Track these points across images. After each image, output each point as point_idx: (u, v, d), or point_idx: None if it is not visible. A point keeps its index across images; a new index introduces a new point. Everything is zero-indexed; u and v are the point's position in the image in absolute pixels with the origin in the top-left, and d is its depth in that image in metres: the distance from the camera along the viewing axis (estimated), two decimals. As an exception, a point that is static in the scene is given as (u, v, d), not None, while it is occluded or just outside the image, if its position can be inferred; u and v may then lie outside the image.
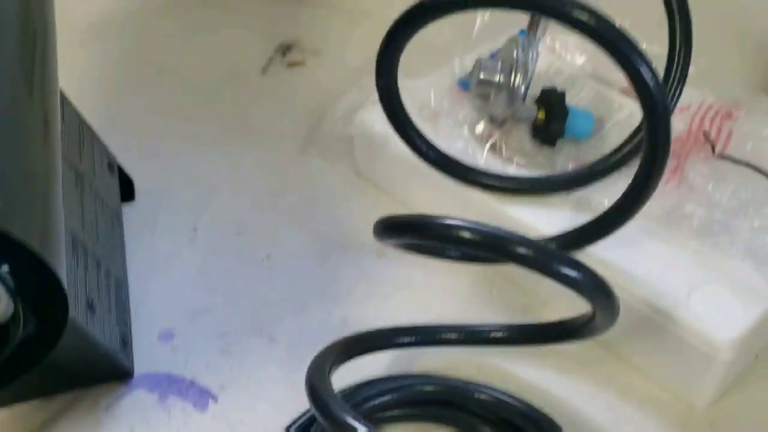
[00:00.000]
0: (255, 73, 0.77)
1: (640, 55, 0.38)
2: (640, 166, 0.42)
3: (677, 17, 0.48)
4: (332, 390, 0.40)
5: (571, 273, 0.37)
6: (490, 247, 0.37)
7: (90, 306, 0.45)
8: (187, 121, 0.71)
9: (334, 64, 0.78)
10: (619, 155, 0.51)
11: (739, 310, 0.46)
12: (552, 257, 0.37)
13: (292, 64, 0.78)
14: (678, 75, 0.50)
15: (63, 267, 0.36)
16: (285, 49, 0.80)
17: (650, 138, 0.40)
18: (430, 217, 0.38)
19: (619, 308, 0.40)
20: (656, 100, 0.38)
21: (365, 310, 0.54)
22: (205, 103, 0.73)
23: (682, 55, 0.49)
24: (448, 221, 0.37)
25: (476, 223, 0.37)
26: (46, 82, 0.42)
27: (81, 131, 0.56)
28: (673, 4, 0.48)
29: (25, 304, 0.35)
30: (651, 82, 0.38)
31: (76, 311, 0.43)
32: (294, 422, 0.46)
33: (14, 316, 0.36)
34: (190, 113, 0.72)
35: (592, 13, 0.37)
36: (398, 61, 0.46)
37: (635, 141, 0.51)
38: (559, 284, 0.38)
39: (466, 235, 0.37)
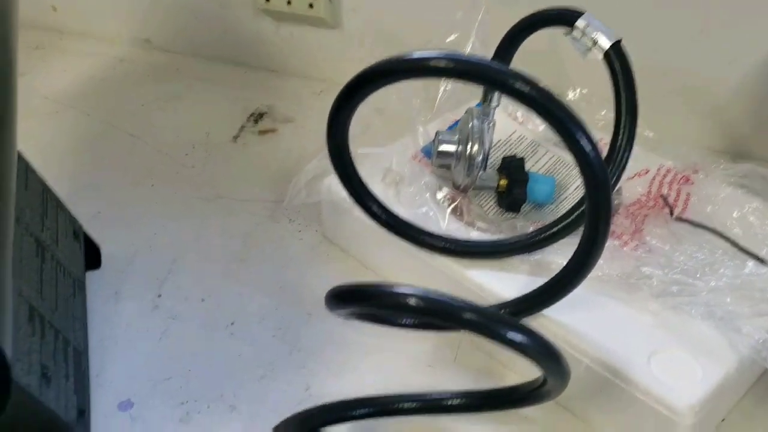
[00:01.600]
0: (226, 141, 0.78)
1: (579, 124, 0.38)
2: (583, 234, 0.42)
3: (622, 89, 0.50)
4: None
5: (518, 337, 0.37)
6: (436, 314, 0.37)
7: (44, 375, 0.45)
8: (157, 188, 0.71)
9: (306, 132, 0.79)
10: (571, 217, 0.51)
11: (699, 374, 0.46)
12: (498, 322, 0.37)
13: (263, 132, 0.79)
14: (624, 142, 0.51)
15: (8, 337, 0.36)
16: (257, 117, 0.81)
17: (591, 207, 0.41)
18: (376, 285, 0.38)
19: (569, 372, 0.40)
20: (595, 169, 0.39)
21: (328, 378, 0.53)
22: (176, 170, 0.74)
23: (627, 123, 0.50)
24: (394, 289, 0.37)
25: (423, 290, 0.37)
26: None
27: (45, 200, 0.56)
28: (618, 77, 0.49)
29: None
30: (590, 152, 0.38)
31: (28, 381, 0.43)
32: None
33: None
34: (160, 180, 0.73)
35: (532, 84, 0.38)
36: (349, 123, 0.47)
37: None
38: (506, 349, 0.38)
39: (412, 302, 0.37)
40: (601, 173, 0.40)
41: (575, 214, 0.52)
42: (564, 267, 0.45)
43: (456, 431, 0.50)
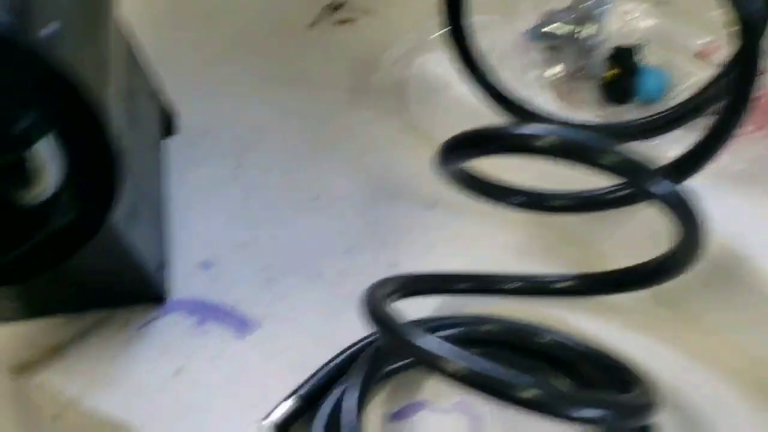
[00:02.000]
0: (303, 28, 0.74)
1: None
2: (731, 85, 0.38)
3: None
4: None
5: (660, 188, 0.34)
6: (572, 153, 0.34)
7: (133, 214, 0.42)
8: (232, 68, 0.68)
9: (386, 23, 0.75)
10: (698, 100, 0.47)
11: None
12: (644, 169, 0.34)
13: (342, 22, 0.75)
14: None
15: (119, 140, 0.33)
16: (336, 6, 0.77)
17: (742, 48, 0.36)
18: (505, 125, 0.35)
19: (705, 235, 0.37)
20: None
21: (415, 256, 0.50)
22: (251, 52, 0.70)
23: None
24: (523, 129, 0.34)
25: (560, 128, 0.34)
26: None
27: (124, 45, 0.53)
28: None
29: (72, 177, 0.32)
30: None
31: (117, 217, 0.40)
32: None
33: (56, 195, 0.33)
34: (235, 60, 0.69)
35: None
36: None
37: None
38: (646, 200, 0.34)
39: (546, 142, 0.33)
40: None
41: (700, 98, 0.48)
42: (714, 122, 0.40)
43: (554, 320, 0.46)
